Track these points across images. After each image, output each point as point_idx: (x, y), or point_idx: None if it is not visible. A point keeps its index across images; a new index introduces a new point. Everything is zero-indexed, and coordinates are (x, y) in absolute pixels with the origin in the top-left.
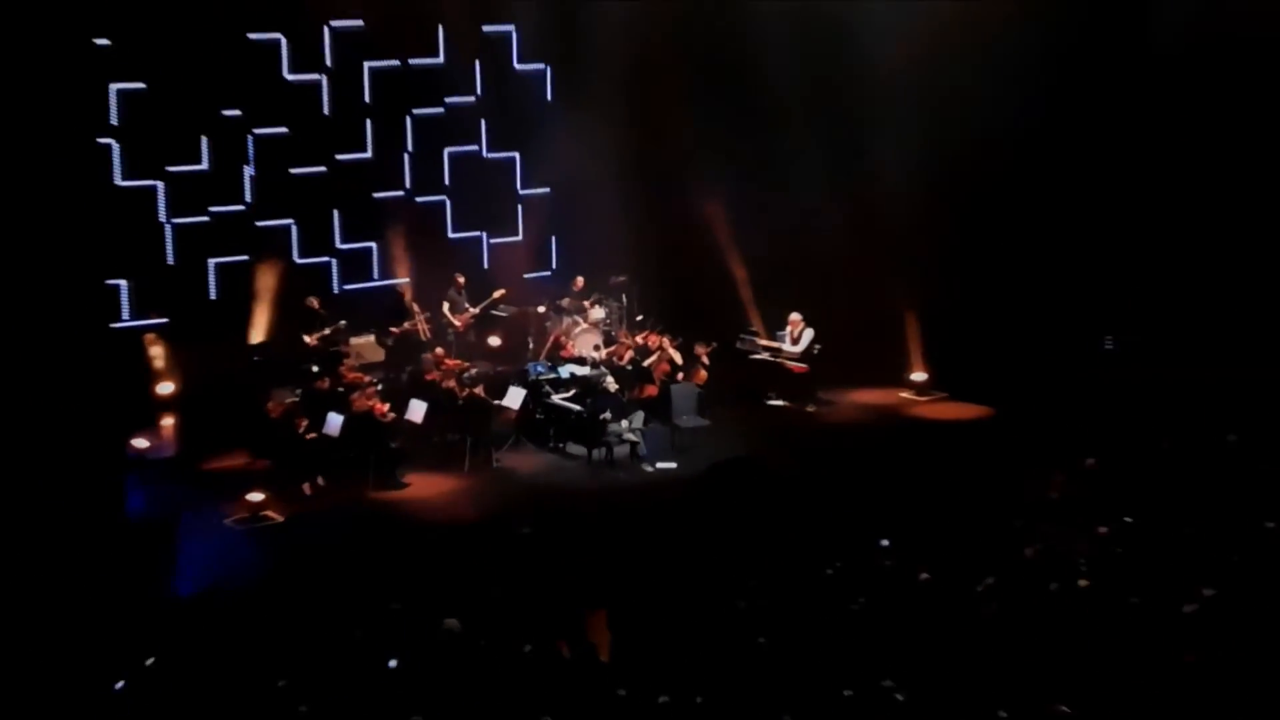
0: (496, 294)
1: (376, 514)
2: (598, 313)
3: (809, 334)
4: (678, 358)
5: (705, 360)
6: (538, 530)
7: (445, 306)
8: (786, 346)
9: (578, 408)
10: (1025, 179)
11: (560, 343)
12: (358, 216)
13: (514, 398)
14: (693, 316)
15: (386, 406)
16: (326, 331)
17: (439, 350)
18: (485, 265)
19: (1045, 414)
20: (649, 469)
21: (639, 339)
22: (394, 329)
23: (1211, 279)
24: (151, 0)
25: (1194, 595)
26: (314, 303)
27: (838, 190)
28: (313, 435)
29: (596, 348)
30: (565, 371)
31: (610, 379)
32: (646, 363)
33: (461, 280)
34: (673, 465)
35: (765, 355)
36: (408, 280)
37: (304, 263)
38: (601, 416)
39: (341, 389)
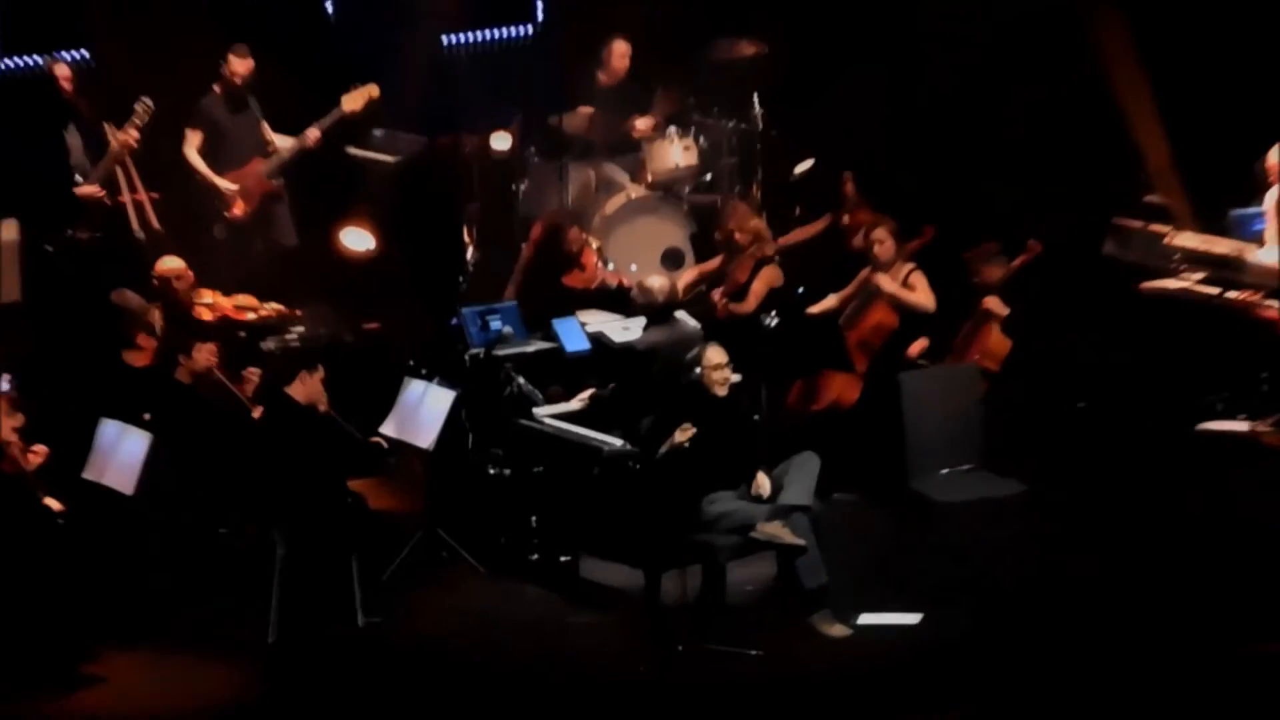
0: (353, 100)
1: None
2: (675, 154)
3: None
4: (920, 292)
5: (1001, 295)
6: None
7: (192, 143)
8: (1258, 254)
9: (614, 443)
10: None
11: (565, 243)
12: None
13: (420, 416)
14: (967, 178)
15: (40, 455)
16: None
17: (175, 268)
18: (331, 10)
19: None
20: (833, 630)
21: (802, 232)
22: (93, 191)
23: None
24: None
25: None
26: None
27: None
28: None
29: (671, 259)
30: (573, 336)
31: (714, 355)
32: (821, 307)
33: (241, 67)
34: (909, 619)
35: (1192, 279)
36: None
37: None
38: (681, 472)
39: None
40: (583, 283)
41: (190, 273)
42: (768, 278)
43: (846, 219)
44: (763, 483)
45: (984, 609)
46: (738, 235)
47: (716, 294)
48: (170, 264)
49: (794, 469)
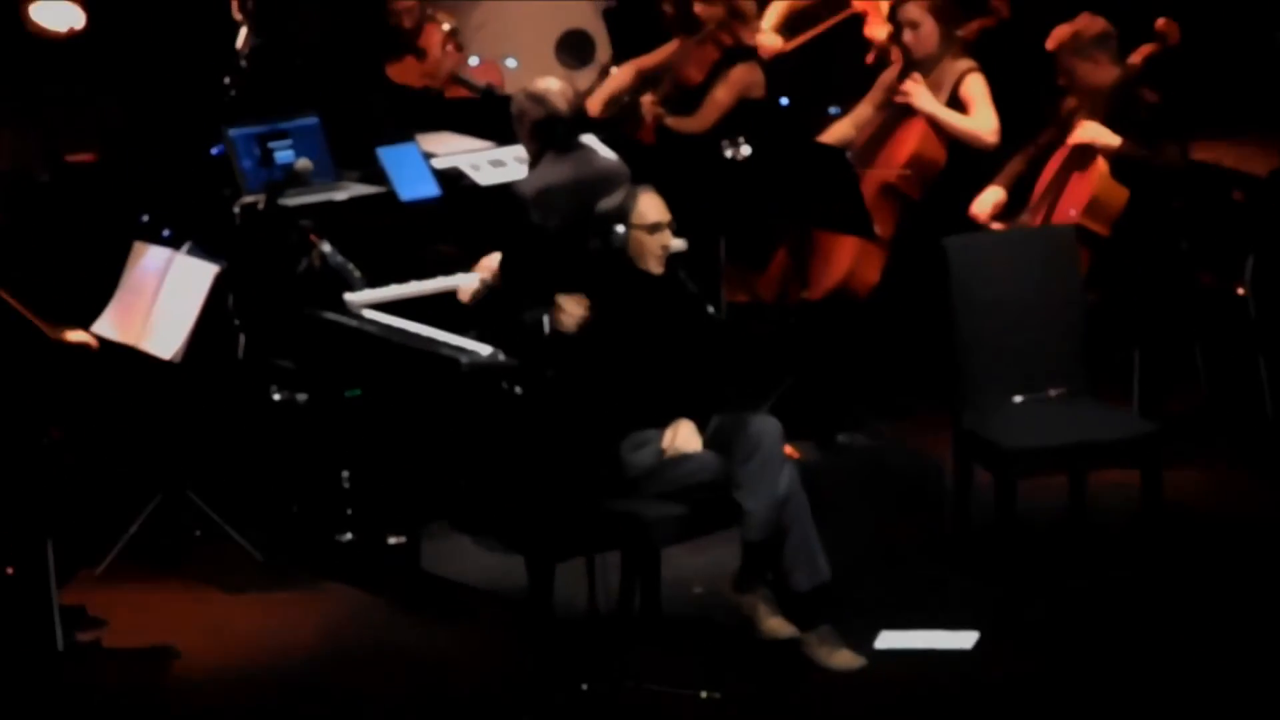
0: None
1: None
2: None
3: None
4: (977, 110)
5: (1113, 115)
6: None
7: None
8: None
9: (479, 350)
10: None
11: (391, 13)
12: None
13: (160, 307)
14: None
15: None
16: None
17: None
18: None
19: None
20: (837, 658)
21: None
22: None
23: None
24: None
25: None
26: None
27: None
28: None
29: (575, 48)
30: (414, 173)
31: (650, 209)
32: (832, 135)
33: None
34: (959, 641)
35: None
36: None
37: None
38: (587, 398)
39: None
40: (421, 78)
41: None
42: (739, 81)
43: None
44: (684, 435)
45: (1082, 629)
46: (698, 6)
47: (648, 100)
48: None
49: (743, 447)
